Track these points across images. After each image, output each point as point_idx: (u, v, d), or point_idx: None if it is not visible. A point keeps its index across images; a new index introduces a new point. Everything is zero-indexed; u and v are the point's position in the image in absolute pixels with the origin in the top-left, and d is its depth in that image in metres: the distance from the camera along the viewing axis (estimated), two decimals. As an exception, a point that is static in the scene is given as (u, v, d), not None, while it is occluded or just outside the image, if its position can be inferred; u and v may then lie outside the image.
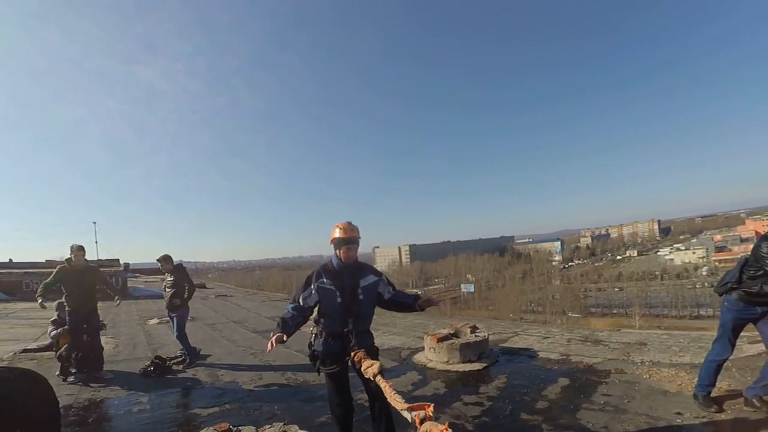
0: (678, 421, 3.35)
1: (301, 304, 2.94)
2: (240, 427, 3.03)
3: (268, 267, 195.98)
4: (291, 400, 4.56)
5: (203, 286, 29.17)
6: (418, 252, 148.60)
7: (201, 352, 6.75)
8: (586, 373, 4.76)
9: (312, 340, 3.04)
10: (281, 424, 3.17)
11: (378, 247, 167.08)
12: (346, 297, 2.91)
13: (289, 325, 2.88)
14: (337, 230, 2.98)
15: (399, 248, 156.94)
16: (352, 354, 2.86)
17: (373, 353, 2.96)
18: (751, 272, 3.24)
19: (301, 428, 2.93)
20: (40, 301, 5.66)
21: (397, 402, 2.31)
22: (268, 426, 3.13)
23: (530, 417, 3.70)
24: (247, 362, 6.45)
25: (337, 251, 2.98)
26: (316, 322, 3.05)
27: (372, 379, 2.64)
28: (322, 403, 4.30)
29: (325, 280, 2.93)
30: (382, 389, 2.52)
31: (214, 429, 2.93)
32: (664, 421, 3.38)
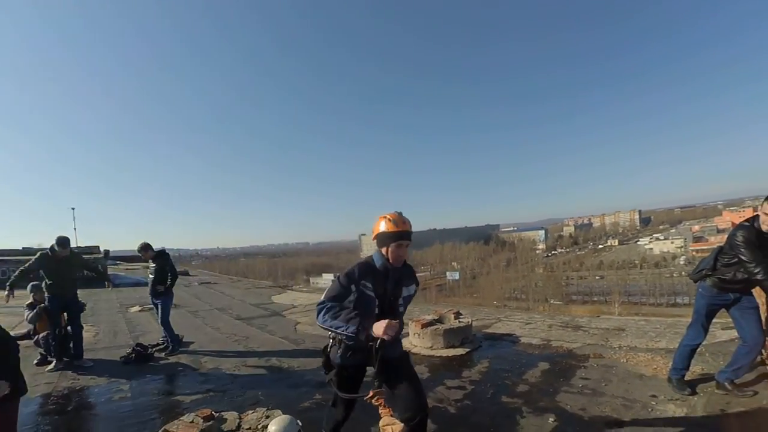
0: (653, 403, 3.47)
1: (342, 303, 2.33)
2: (223, 413, 3.03)
3: (253, 254, 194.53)
4: (275, 386, 4.56)
5: (186, 274, 28.79)
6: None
7: (184, 339, 6.68)
8: (566, 358, 4.88)
9: (329, 347, 2.50)
10: (264, 409, 3.18)
11: (365, 234, 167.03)
12: (384, 308, 2.40)
13: (356, 314, 2.19)
14: (384, 222, 2.35)
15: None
16: (371, 393, 2.37)
17: (404, 360, 2.53)
18: (725, 260, 3.33)
19: (284, 414, 2.94)
20: (6, 292, 5.36)
21: None
22: (251, 411, 3.14)
23: (511, 400, 3.78)
24: (230, 349, 6.41)
25: (384, 249, 2.37)
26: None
27: None
28: (307, 389, 4.32)
29: (367, 284, 2.35)
30: None
31: (196, 415, 2.93)
32: (640, 403, 3.49)
